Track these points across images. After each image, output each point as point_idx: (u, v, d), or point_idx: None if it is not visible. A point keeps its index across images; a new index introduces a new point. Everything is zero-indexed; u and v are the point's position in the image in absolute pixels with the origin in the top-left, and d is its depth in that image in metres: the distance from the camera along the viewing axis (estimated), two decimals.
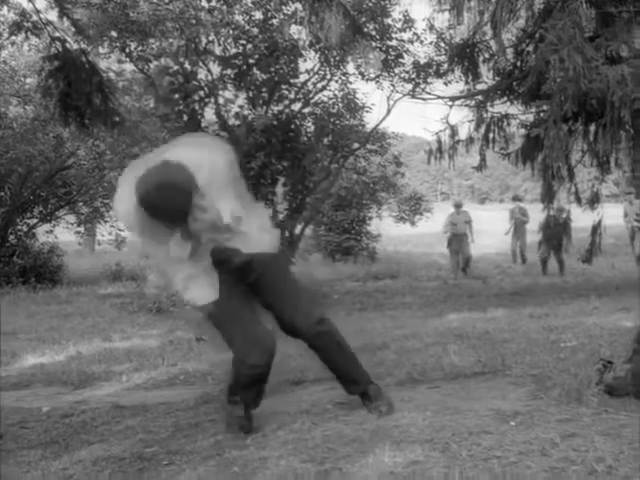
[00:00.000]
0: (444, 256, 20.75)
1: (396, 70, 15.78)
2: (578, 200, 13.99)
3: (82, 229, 19.98)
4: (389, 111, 16.85)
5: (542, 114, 12.90)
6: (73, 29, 13.17)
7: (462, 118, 15.23)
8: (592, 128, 13.07)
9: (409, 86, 16.09)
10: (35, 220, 20.56)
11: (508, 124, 15.04)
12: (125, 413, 5.22)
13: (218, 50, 15.07)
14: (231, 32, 14.70)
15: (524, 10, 14.15)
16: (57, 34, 12.80)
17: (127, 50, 14.50)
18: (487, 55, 15.02)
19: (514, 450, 3.48)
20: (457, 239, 17.88)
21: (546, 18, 12.10)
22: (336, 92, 16.20)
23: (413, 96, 16.21)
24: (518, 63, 14.80)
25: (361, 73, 15.96)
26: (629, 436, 3.55)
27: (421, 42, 15.73)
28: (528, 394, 4.63)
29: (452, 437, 3.74)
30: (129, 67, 15.79)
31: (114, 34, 14.15)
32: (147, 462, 4.03)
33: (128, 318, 12.42)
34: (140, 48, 14.49)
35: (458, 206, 18.85)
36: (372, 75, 15.94)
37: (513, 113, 15.14)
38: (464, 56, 15.01)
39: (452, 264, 18.41)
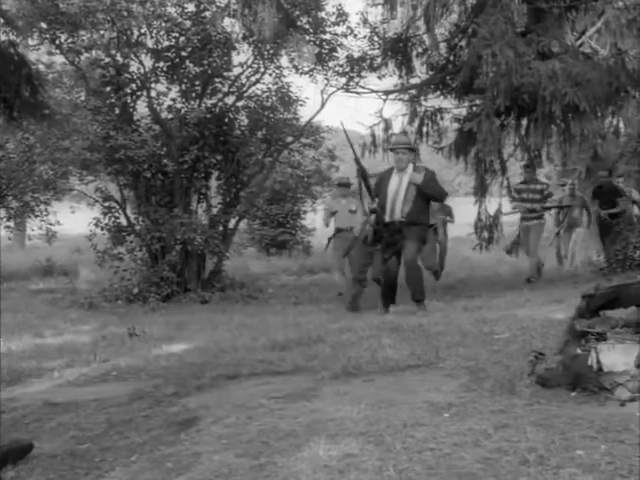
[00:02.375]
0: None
1: (330, 64, 15.75)
2: (510, 193, 14.15)
3: (12, 224, 19.58)
4: (323, 105, 16.84)
5: (475, 108, 12.99)
6: (1, 20, 12.93)
7: (396, 112, 15.33)
8: (524, 122, 13.21)
9: (343, 80, 16.07)
10: None
11: (441, 118, 15.14)
12: (57, 410, 5.14)
13: (150, 42, 14.89)
14: (163, 24, 14.53)
15: (457, 5, 14.26)
16: None
17: (57, 42, 14.23)
18: (420, 49, 15.09)
19: (448, 442, 3.50)
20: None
21: (479, 13, 12.19)
22: (270, 85, 16.12)
23: (347, 90, 16.21)
24: (451, 57, 14.89)
25: (295, 66, 15.90)
26: (560, 426, 3.59)
27: (355, 36, 15.71)
28: (462, 386, 4.67)
29: (386, 430, 3.76)
30: (59, 59, 15.52)
31: (44, 25, 13.89)
32: (79, 459, 3.99)
33: (60, 314, 12.24)
34: (70, 40, 14.24)
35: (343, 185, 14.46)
36: (306, 69, 15.89)
37: (446, 107, 15.23)
38: (397, 50, 15.06)
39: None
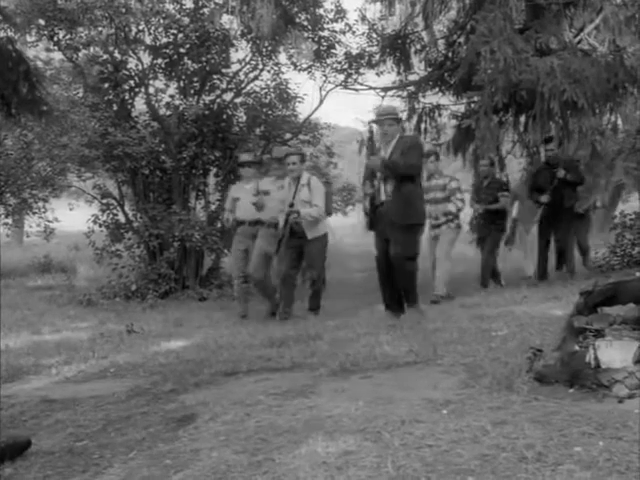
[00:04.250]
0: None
1: (328, 60, 15.77)
2: (508, 190, 14.14)
3: (10, 221, 19.60)
4: (321, 101, 16.85)
5: (473, 105, 13.01)
6: None
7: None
8: (522, 119, 13.20)
9: (341, 77, 16.10)
10: None
11: (440, 115, 15.16)
12: (55, 407, 5.14)
13: (148, 39, 14.88)
14: (162, 21, 14.52)
15: (455, 1, 14.27)
16: None
17: (55, 38, 14.22)
18: (419, 46, 15.11)
19: (446, 438, 3.50)
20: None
21: (477, 9, 12.19)
22: (268, 82, 16.13)
23: (345, 87, 16.22)
24: (449, 54, 14.91)
25: (293, 63, 15.91)
26: (558, 423, 3.59)
27: (353, 33, 15.73)
28: (460, 383, 4.67)
29: (384, 426, 3.76)
30: (57, 56, 15.51)
31: (42, 22, 13.88)
32: (77, 456, 3.98)
33: (58, 311, 12.24)
34: (68, 36, 14.23)
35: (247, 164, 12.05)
36: (304, 65, 15.90)
37: (444, 104, 15.25)
38: (396, 47, 15.08)
39: None
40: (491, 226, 12.08)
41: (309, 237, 9.82)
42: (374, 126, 9.18)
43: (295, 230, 9.82)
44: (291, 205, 9.76)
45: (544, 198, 11.88)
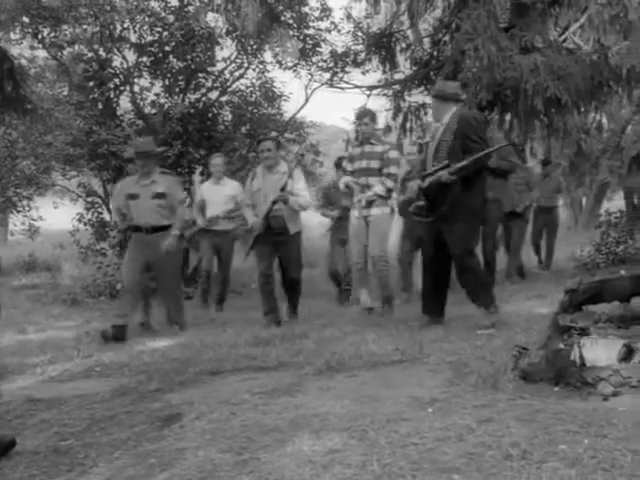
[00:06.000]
0: None
1: (314, 59, 15.79)
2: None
3: None
4: (307, 100, 16.87)
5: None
6: None
7: (380, 107, 15.30)
8: (507, 117, 13.23)
9: (327, 75, 16.12)
10: None
11: (425, 113, 15.15)
12: (40, 406, 5.12)
13: (133, 37, 14.85)
14: (147, 19, 14.50)
15: (440, 0, 14.27)
16: None
17: (40, 36, 14.20)
18: (404, 44, 15.11)
19: (431, 436, 3.51)
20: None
21: (462, 8, 12.20)
22: (254, 80, 16.13)
23: (331, 85, 16.23)
24: (435, 53, 14.91)
25: (279, 62, 15.92)
26: (543, 421, 3.60)
27: (338, 31, 15.75)
28: (445, 381, 4.68)
29: (370, 425, 3.76)
30: (42, 54, 15.54)
31: (26, 20, 13.86)
32: (62, 455, 3.97)
33: (43, 310, 12.18)
34: (53, 34, 14.21)
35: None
36: (290, 64, 15.91)
37: (430, 102, 15.25)
38: (381, 45, 15.08)
39: None
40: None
41: (291, 232, 8.72)
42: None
43: (273, 225, 8.59)
44: (282, 190, 8.44)
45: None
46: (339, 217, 10.65)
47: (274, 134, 15.14)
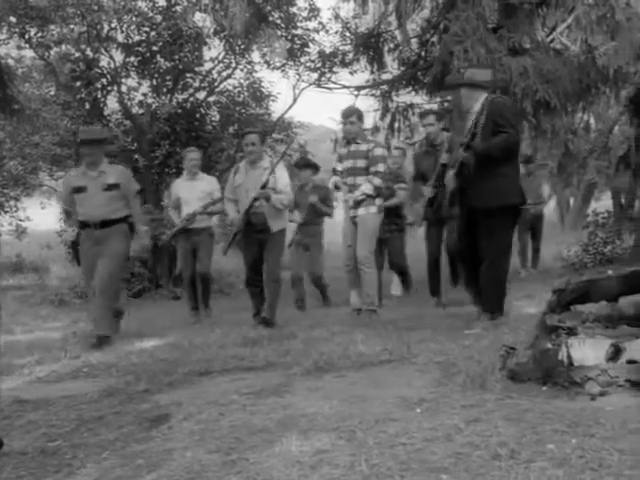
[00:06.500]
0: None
1: (302, 59, 15.82)
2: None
3: None
4: (295, 100, 16.88)
5: (446, 104, 13.04)
6: None
7: (368, 107, 15.30)
8: None
9: (315, 75, 16.15)
10: None
11: (413, 114, 15.17)
12: (27, 407, 5.10)
13: (121, 37, 14.87)
14: (134, 19, 14.50)
15: (429, 1, 14.30)
16: None
17: (27, 36, 14.19)
18: (392, 45, 15.13)
19: (419, 436, 3.50)
20: None
21: (450, 9, 12.23)
22: (241, 81, 16.17)
23: (319, 85, 16.26)
24: (423, 53, 14.94)
25: (267, 62, 15.94)
26: (531, 420, 3.61)
27: (326, 31, 15.79)
28: (433, 381, 4.68)
29: (358, 425, 3.76)
30: (29, 53, 15.49)
31: (13, 19, 13.84)
32: (50, 456, 3.95)
33: (30, 310, 12.16)
34: (40, 34, 14.20)
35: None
36: (278, 64, 15.93)
37: (418, 103, 15.28)
38: (369, 46, 15.10)
39: None
40: (391, 226, 10.12)
41: (273, 230, 8.32)
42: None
43: (254, 222, 8.27)
44: (263, 187, 8.12)
45: (426, 191, 8.68)
46: (302, 222, 10.44)
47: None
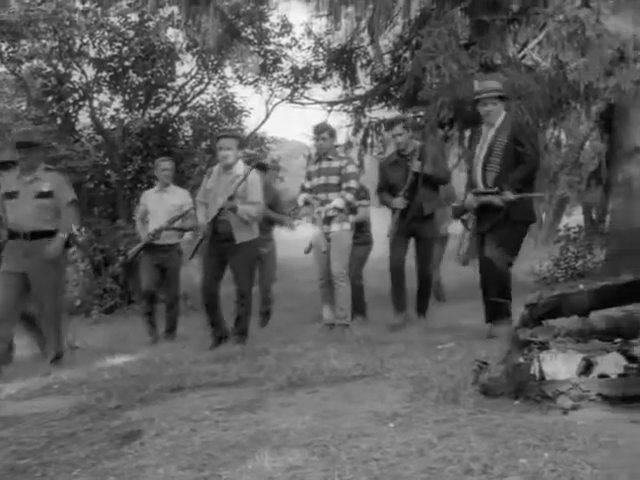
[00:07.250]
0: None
1: (274, 74, 15.86)
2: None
3: None
4: (268, 115, 16.92)
5: (419, 120, 13.09)
6: None
7: (340, 123, 15.35)
8: (467, 134, 13.32)
9: (288, 91, 16.21)
10: None
11: (386, 129, 15.21)
12: None
13: (93, 52, 14.85)
14: (106, 34, 14.51)
15: (401, 17, 14.36)
16: None
17: None
18: (365, 61, 15.20)
19: (392, 452, 3.50)
20: None
21: (422, 25, 12.31)
22: (214, 96, 16.18)
23: (292, 101, 16.32)
24: (395, 69, 15.02)
25: (239, 77, 15.98)
26: (504, 435, 3.61)
27: (299, 47, 15.86)
28: (406, 396, 4.67)
29: (331, 440, 3.75)
30: (0, 69, 15.40)
31: None
32: (20, 474, 3.91)
33: None
34: (11, 49, 14.16)
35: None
36: (250, 79, 15.97)
37: (390, 118, 15.33)
38: (342, 61, 15.16)
39: None
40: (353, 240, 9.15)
41: (237, 241, 7.83)
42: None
43: (219, 231, 7.84)
44: (231, 198, 7.69)
45: (397, 202, 8.59)
46: None
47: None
